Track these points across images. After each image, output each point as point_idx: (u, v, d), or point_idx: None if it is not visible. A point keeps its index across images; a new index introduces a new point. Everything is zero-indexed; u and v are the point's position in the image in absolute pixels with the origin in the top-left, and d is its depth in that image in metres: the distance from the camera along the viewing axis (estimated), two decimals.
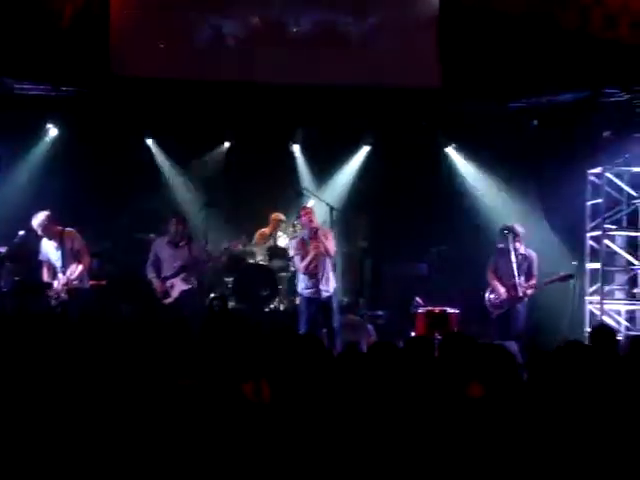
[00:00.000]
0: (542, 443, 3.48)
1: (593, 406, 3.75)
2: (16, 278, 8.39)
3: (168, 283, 8.60)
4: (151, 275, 8.67)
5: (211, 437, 3.52)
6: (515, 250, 8.50)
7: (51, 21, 9.51)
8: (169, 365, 4.32)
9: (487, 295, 8.73)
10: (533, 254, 8.66)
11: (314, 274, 8.19)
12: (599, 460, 3.45)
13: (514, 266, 8.44)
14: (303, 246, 8.24)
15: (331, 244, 8.25)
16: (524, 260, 8.56)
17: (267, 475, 3.40)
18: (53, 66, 9.50)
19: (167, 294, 8.59)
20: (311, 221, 8.20)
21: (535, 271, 8.59)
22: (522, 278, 8.51)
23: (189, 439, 3.50)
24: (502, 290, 8.57)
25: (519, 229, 8.67)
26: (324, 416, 3.65)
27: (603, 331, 5.49)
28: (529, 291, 8.52)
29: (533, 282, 8.56)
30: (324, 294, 8.24)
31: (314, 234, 8.16)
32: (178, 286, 8.58)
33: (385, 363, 4.24)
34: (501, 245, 8.70)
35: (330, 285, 8.29)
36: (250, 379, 4.13)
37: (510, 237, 8.53)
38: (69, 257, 8.25)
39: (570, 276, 8.76)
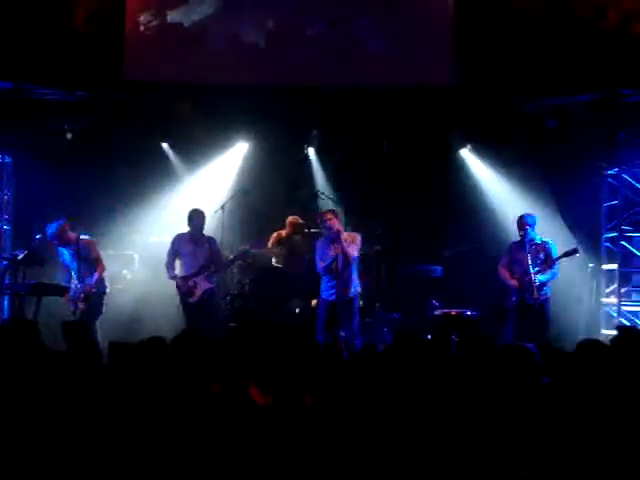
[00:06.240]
0: (562, 443, 3.45)
1: (613, 407, 3.72)
2: (32, 282, 8.40)
3: (191, 282, 8.64)
4: (172, 274, 8.75)
5: (221, 439, 3.52)
6: (531, 240, 8.46)
7: (63, 22, 9.53)
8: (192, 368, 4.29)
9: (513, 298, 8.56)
10: (550, 241, 8.58)
11: (335, 276, 8.28)
12: (619, 460, 3.43)
13: (529, 257, 8.37)
14: (325, 248, 8.36)
15: (353, 248, 8.30)
16: (541, 249, 8.49)
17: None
18: (68, 70, 9.54)
19: (192, 293, 8.65)
20: (333, 224, 8.25)
21: (554, 256, 8.48)
22: (537, 268, 8.40)
23: (199, 440, 3.51)
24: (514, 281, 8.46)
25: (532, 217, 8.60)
26: (341, 417, 3.64)
27: (630, 333, 5.36)
28: (541, 276, 8.36)
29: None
30: (345, 297, 8.30)
31: (337, 237, 8.23)
32: (202, 285, 8.66)
33: (401, 364, 4.22)
34: (517, 239, 8.62)
35: (352, 288, 8.36)
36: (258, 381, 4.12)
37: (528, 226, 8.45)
38: (85, 266, 8.29)
39: (575, 250, 8.55)
